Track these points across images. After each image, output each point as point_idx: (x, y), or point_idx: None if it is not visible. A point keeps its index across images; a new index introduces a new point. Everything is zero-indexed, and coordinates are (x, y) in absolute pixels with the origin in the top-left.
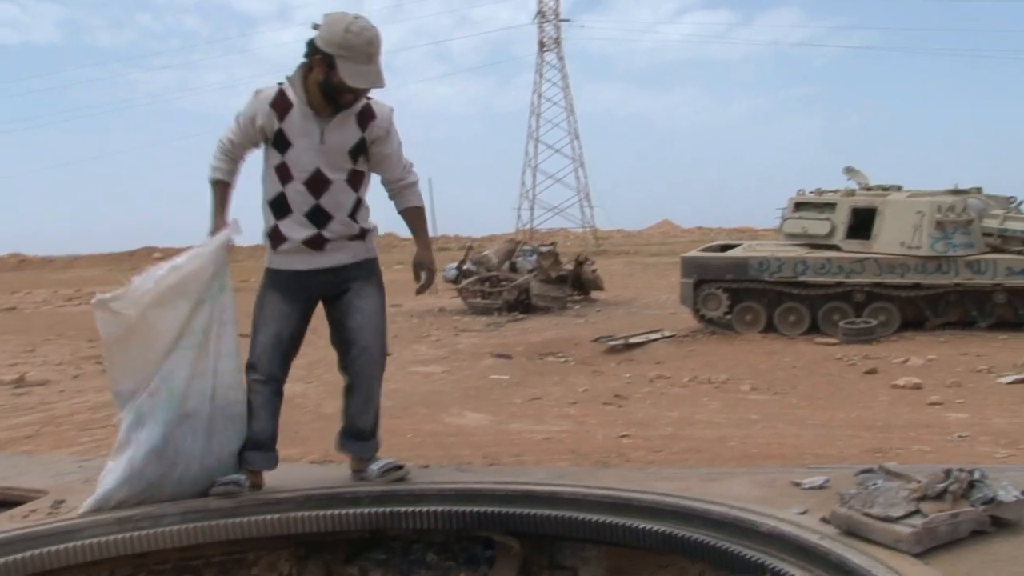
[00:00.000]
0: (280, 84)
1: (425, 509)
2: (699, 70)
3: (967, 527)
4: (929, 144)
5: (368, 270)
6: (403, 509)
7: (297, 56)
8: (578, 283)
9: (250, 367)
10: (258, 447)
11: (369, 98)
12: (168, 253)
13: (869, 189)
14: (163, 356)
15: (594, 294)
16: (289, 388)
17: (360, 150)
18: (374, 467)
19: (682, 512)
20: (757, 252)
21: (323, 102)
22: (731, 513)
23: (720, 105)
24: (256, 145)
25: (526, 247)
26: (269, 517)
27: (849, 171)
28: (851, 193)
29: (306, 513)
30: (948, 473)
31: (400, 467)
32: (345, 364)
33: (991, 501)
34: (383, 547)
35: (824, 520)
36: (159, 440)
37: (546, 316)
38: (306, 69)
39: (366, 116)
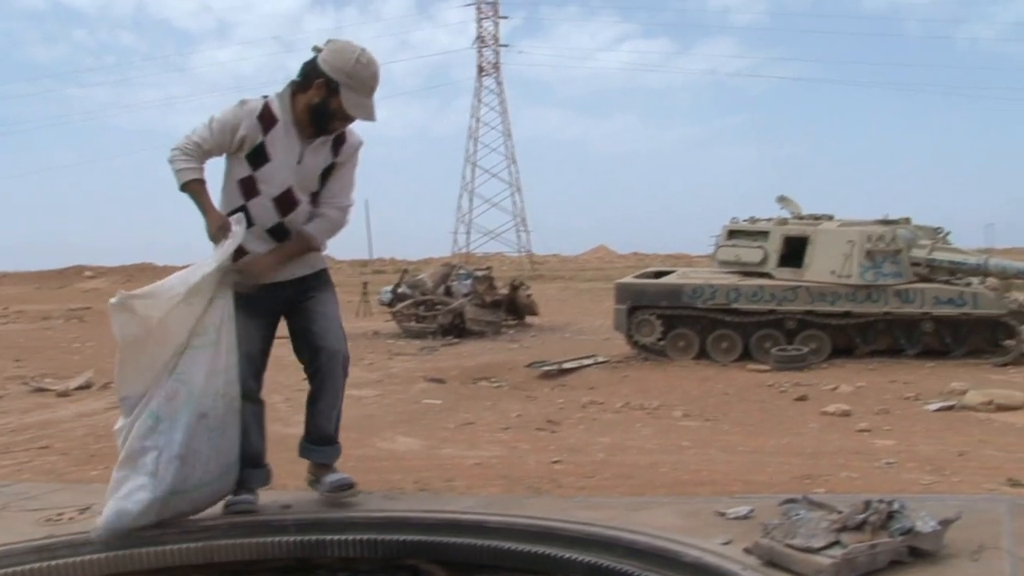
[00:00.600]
0: (265, 98)
1: (351, 537)
2: (637, 97)
3: (885, 557)
4: (860, 174)
5: (325, 279)
6: (329, 537)
7: (235, 75)
8: (513, 308)
9: None
10: (252, 464)
11: None
12: (100, 272)
13: (801, 218)
14: (175, 356)
15: (529, 319)
16: None
17: (328, 173)
18: (327, 479)
19: (607, 542)
20: (691, 279)
21: (308, 124)
22: (655, 543)
23: (657, 132)
24: (220, 154)
25: (461, 271)
26: (193, 545)
27: (782, 200)
28: (784, 222)
29: (231, 541)
30: (868, 504)
31: (352, 485)
32: (313, 369)
33: (909, 531)
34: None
35: (747, 550)
36: (180, 444)
37: (480, 340)
38: (296, 88)
39: (339, 141)
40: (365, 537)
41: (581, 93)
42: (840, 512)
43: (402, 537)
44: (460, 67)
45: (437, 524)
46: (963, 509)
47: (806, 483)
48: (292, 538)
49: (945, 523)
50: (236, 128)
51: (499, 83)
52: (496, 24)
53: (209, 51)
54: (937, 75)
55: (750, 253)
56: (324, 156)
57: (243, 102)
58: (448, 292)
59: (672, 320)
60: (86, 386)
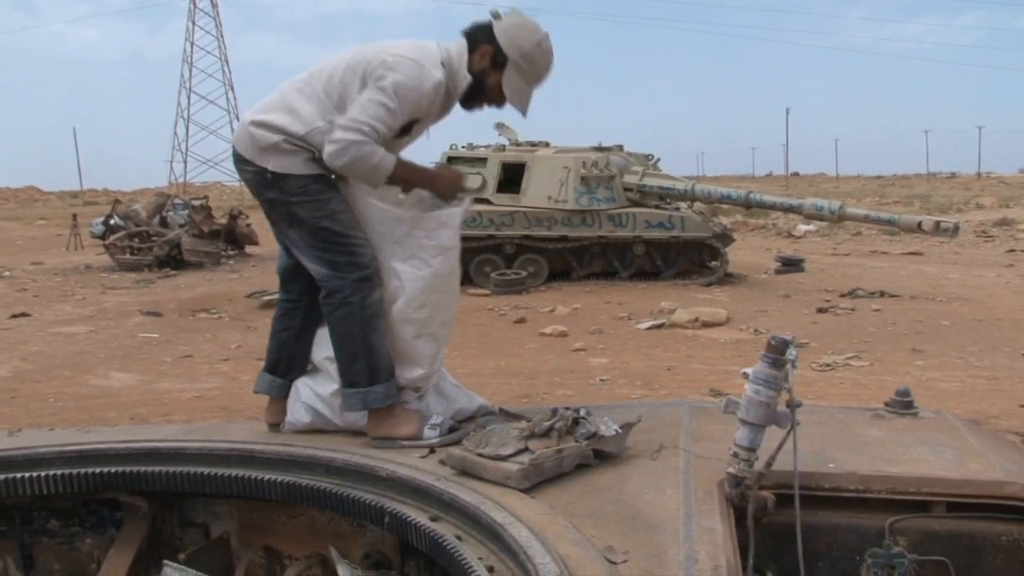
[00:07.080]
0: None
1: (44, 473)
2: (359, 23)
3: (572, 461)
4: (576, 103)
5: None
6: (20, 475)
7: None
8: (232, 238)
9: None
10: None
11: None
12: None
13: (519, 145)
14: None
15: (248, 248)
16: None
17: None
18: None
19: (306, 462)
20: None
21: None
22: (353, 459)
23: None
24: None
25: (177, 201)
26: None
27: (500, 127)
28: (501, 149)
29: None
30: (555, 412)
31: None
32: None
33: (593, 436)
34: (0, 517)
35: (441, 462)
36: None
37: (199, 272)
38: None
39: None
40: (59, 472)
41: (302, 17)
42: (529, 421)
43: (99, 469)
44: None
45: (135, 454)
46: (648, 414)
47: (524, 402)
48: None
49: (626, 427)
50: (419, 110)
51: (215, 5)
52: None
53: None
54: (652, 8)
55: (469, 179)
56: None
57: (434, 77)
58: (164, 223)
59: None
60: None
